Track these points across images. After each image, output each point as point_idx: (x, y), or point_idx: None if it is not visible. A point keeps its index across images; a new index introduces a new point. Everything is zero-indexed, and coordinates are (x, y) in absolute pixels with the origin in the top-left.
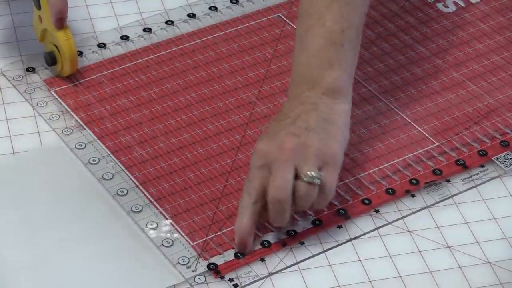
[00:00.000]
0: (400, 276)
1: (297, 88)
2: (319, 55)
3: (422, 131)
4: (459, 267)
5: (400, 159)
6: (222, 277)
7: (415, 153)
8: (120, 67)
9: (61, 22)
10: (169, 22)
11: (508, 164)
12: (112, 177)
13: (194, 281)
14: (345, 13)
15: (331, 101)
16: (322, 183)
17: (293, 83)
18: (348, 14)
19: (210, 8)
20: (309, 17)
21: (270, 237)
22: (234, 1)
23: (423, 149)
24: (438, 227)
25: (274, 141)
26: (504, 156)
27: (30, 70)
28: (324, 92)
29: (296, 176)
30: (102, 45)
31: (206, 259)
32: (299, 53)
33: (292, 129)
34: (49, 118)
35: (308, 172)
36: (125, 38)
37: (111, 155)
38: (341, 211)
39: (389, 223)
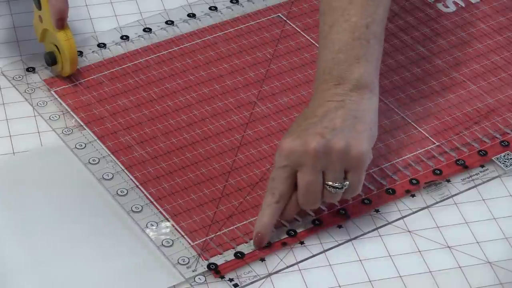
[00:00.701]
0: (400, 276)
1: (323, 84)
2: (345, 50)
3: (422, 131)
4: (459, 267)
5: (400, 159)
6: (222, 277)
7: (415, 153)
8: (120, 67)
9: (61, 22)
10: (169, 22)
11: (508, 164)
12: (112, 177)
13: (194, 281)
14: (368, 8)
15: (359, 97)
16: (348, 186)
17: (319, 79)
18: (371, 9)
19: (210, 8)
20: (332, 13)
21: (270, 237)
22: (234, 1)
23: (423, 149)
24: (438, 227)
25: (300, 141)
26: (504, 156)
27: (30, 70)
28: (352, 89)
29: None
30: (102, 45)
31: (206, 259)
32: (324, 49)
33: (319, 129)
34: (49, 118)
35: (332, 184)
36: (125, 38)
37: (111, 155)
38: (341, 211)
39: (389, 223)
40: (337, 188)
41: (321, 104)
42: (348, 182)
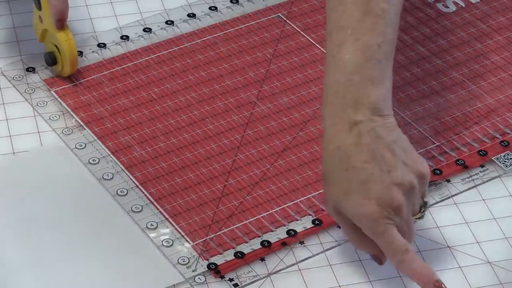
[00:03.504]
0: (400, 276)
1: (339, 111)
2: (358, 71)
3: (422, 131)
4: (459, 267)
5: None
6: (222, 277)
7: None
8: (120, 67)
9: (61, 22)
10: (169, 22)
11: (508, 164)
12: (112, 177)
13: (194, 281)
14: (379, 27)
15: (382, 120)
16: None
17: (331, 104)
18: (382, 28)
19: (210, 8)
20: (340, 31)
21: (270, 237)
22: (234, 1)
23: (423, 149)
24: (438, 227)
25: (383, 199)
26: (504, 156)
27: (30, 70)
28: (372, 112)
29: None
30: (102, 45)
31: (206, 259)
32: (334, 70)
33: (387, 180)
34: (49, 118)
35: (420, 215)
36: (125, 38)
37: (111, 155)
38: None
39: None
40: (423, 214)
41: (355, 144)
42: (425, 202)
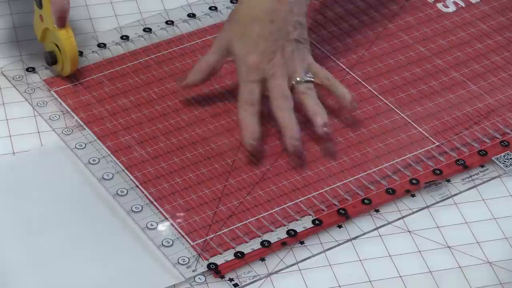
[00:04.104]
0: (400, 276)
1: None
2: None
3: (422, 131)
4: (459, 267)
5: (400, 159)
6: (222, 277)
7: (415, 153)
8: (120, 67)
9: (62, 20)
10: (169, 22)
11: (508, 164)
12: (112, 177)
13: (194, 281)
14: None
15: (299, 2)
16: (317, 75)
17: None
18: None
19: (210, 8)
20: None
21: (270, 237)
22: (234, 1)
23: (423, 149)
24: (438, 227)
25: (265, 54)
26: (504, 156)
27: (30, 70)
28: None
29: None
30: (102, 45)
31: (206, 259)
32: None
33: (280, 42)
34: (49, 118)
35: (298, 79)
36: (125, 38)
37: (111, 155)
38: (341, 211)
39: (389, 223)
40: (307, 78)
41: (270, 0)
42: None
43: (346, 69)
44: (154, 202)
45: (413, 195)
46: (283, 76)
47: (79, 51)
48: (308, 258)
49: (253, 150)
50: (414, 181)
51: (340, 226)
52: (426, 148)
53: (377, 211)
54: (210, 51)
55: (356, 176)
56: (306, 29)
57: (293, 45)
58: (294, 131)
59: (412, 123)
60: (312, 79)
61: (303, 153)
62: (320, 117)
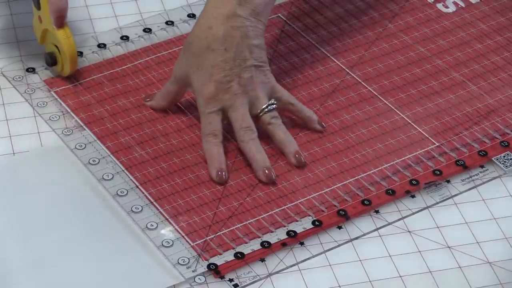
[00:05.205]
0: (400, 276)
1: (225, 3)
2: None
3: (422, 132)
4: (459, 267)
5: (400, 159)
6: (222, 277)
7: (415, 153)
8: (120, 68)
9: (61, 20)
10: (169, 22)
11: (508, 164)
12: (112, 178)
13: (194, 281)
14: None
15: (256, 23)
16: (280, 100)
17: None
18: None
19: None
20: None
21: (270, 238)
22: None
23: (423, 150)
24: (438, 227)
25: (220, 85)
26: (504, 156)
27: (30, 70)
28: (252, 14)
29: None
30: (102, 46)
31: (206, 259)
32: None
33: (236, 70)
34: (49, 119)
35: (263, 107)
36: (125, 38)
37: (111, 156)
38: (341, 211)
39: (389, 223)
40: (271, 107)
41: (225, 30)
42: (274, 99)
43: (346, 69)
44: (154, 203)
45: (413, 196)
46: (243, 105)
47: (79, 52)
48: (308, 258)
49: (220, 180)
50: (414, 182)
51: (340, 227)
52: (426, 149)
53: (377, 211)
54: (170, 80)
55: (356, 177)
56: (264, 50)
57: (251, 71)
58: (262, 161)
59: (412, 123)
60: (275, 105)
61: (274, 179)
62: (290, 147)
